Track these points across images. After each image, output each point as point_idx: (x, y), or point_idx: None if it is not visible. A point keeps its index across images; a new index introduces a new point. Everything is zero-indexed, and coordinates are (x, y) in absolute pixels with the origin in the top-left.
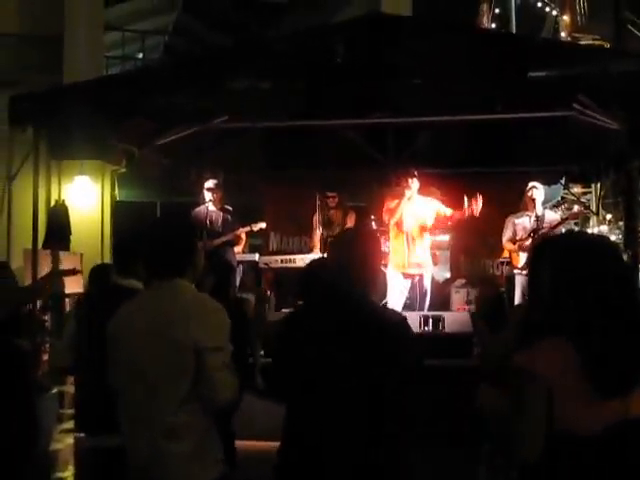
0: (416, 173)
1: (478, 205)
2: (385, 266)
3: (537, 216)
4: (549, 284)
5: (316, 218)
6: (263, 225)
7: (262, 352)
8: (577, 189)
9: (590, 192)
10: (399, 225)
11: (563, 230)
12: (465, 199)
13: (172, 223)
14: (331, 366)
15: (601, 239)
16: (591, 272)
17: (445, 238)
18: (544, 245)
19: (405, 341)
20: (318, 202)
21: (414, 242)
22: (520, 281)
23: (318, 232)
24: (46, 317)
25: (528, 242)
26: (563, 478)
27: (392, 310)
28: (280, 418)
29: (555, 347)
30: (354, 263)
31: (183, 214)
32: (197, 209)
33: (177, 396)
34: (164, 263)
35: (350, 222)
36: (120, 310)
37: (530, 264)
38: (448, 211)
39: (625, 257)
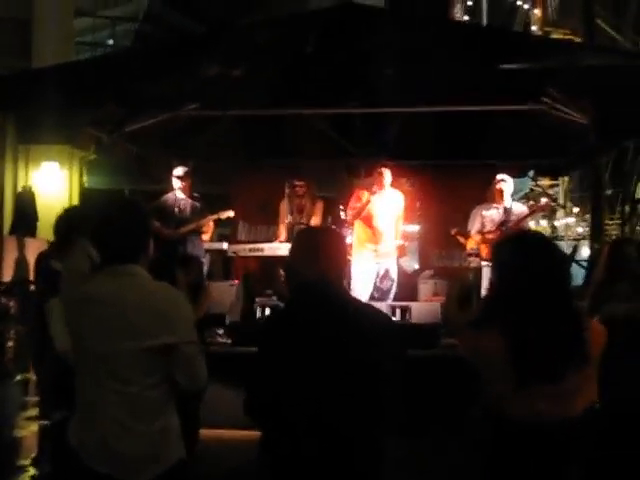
0: (386, 169)
1: None
2: (350, 257)
3: (505, 208)
4: (492, 277)
5: (283, 206)
6: (231, 213)
7: None
8: (545, 182)
9: (558, 185)
10: (367, 218)
11: (531, 222)
12: None
13: (129, 207)
14: (318, 361)
15: (535, 235)
16: (518, 266)
17: (414, 229)
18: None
19: (392, 333)
20: (287, 190)
21: (382, 235)
22: (487, 273)
23: (286, 220)
24: (11, 303)
25: (496, 234)
26: (502, 460)
27: (371, 305)
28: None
29: (486, 336)
30: (322, 259)
31: (136, 199)
32: (165, 197)
33: (139, 383)
34: (121, 247)
35: (318, 211)
36: (76, 294)
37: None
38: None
39: (589, 249)
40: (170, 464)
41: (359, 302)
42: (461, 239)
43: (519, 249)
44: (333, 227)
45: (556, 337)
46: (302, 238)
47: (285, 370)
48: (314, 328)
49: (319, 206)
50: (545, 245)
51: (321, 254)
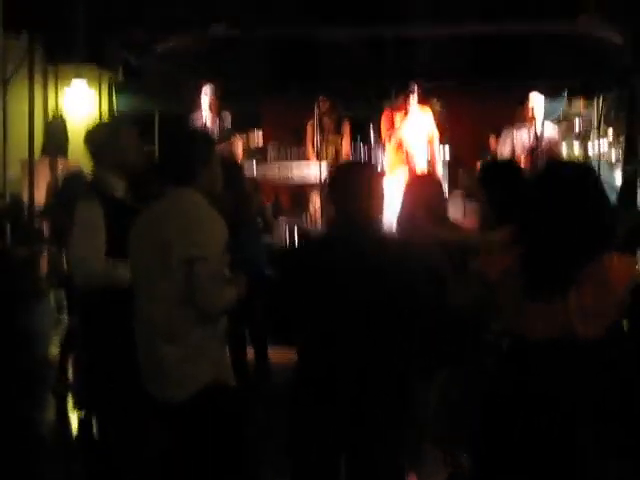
0: (415, 88)
1: None
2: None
3: (536, 133)
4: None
5: (310, 126)
6: (260, 139)
7: None
8: (579, 105)
9: (592, 107)
10: (399, 141)
11: (563, 146)
12: None
13: (177, 136)
14: (349, 294)
15: (569, 167)
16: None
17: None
18: None
19: (421, 270)
20: (316, 110)
21: (413, 157)
22: None
23: (314, 140)
24: (44, 224)
25: (527, 160)
26: (511, 376)
27: (405, 240)
28: None
29: (503, 249)
30: (359, 197)
31: (193, 129)
32: (193, 115)
33: (169, 300)
34: (170, 170)
35: (346, 131)
36: (139, 216)
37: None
38: (436, 138)
39: (622, 172)
40: (199, 387)
41: (395, 241)
42: None
43: (549, 181)
44: (372, 164)
45: (565, 255)
46: (340, 174)
47: (312, 298)
48: (346, 262)
49: (346, 128)
50: (577, 180)
51: (358, 191)
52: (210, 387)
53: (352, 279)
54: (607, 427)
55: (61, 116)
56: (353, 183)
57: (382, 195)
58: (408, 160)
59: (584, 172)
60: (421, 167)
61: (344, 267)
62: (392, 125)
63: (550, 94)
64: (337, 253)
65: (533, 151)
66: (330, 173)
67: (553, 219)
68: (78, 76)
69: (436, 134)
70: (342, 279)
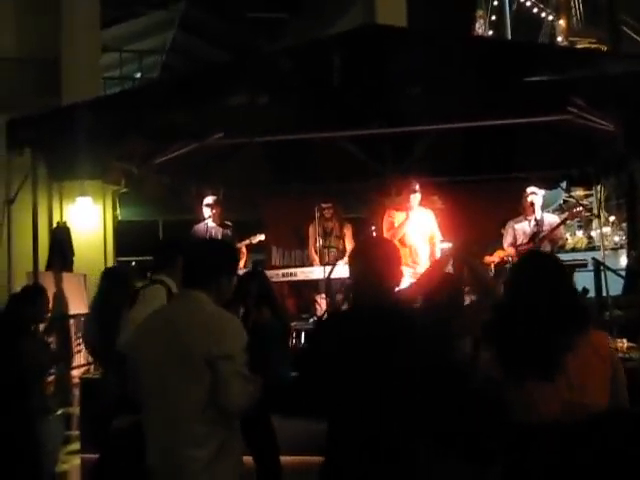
0: (418, 187)
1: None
2: None
3: (536, 220)
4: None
5: (312, 230)
6: (262, 237)
7: None
8: (579, 192)
9: (592, 195)
10: (402, 240)
11: (567, 234)
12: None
13: (213, 242)
14: (370, 375)
15: (541, 256)
16: (522, 285)
17: (446, 246)
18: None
19: (441, 342)
20: (317, 214)
21: (417, 254)
22: None
23: (316, 244)
24: (50, 339)
25: (529, 246)
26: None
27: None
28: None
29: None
30: (377, 270)
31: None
32: (197, 226)
33: (195, 405)
34: (190, 273)
35: (348, 235)
36: (144, 320)
37: None
38: (438, 238)
39: (627, 257)
40: None
41: (411, 312)
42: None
43: (516, 268)
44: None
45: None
46: (358, 250)
47: (335, 372)
48: (364, 337)
49: (348, 229)
50: (542, 264)
51: (374, 264)
52: None
53: (371, 351)
54: None
55: (65, 223)
56: (368, 256)
57: (397, 264)
58: (411, 256)
59: (551, 261)
60: (424, 264)
61: (362, 340)
62: (392, 225)
63: (549, 186)
64: (355, 327)
65: (535, 237)
66: (350, 251)
67: (529, 304)
68: (82, 193)
69: (437, 234)
70: (361, 352)
